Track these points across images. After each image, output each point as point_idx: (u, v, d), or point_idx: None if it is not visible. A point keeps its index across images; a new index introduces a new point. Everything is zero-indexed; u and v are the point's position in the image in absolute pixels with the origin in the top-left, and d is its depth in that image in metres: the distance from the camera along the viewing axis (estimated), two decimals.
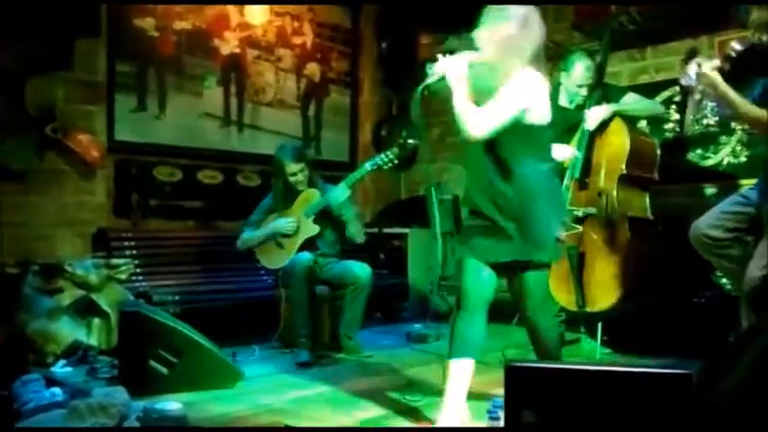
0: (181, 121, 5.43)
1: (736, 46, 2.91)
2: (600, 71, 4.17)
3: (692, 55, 2.98)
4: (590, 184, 4.10)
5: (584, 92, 4.17)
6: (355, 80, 6.68)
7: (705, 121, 4.84)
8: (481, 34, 2.71)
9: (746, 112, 2.92)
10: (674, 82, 4.94)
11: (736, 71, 2.95)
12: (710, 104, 4.32)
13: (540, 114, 2.72)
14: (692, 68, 2.98)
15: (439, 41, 6.33)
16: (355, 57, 6.67)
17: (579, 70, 4.15)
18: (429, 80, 2.78)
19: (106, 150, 4.98)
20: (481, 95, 2.72)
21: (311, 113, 6.32)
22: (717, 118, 4.77)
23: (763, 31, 2.90)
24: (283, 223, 4.37)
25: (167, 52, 5.34)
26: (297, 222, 4.36)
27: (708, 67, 2.92)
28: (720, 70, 2.92)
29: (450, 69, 2.72)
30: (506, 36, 2.66)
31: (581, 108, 4.14)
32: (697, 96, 3.27)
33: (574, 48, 4.80)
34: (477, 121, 2.64)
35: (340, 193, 4.31)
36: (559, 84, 4.31)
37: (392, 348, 4.60)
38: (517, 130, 2.67)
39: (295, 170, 4.40)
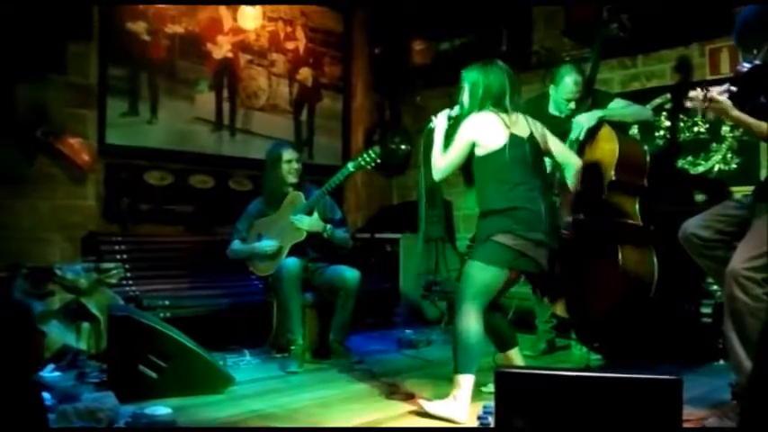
0: (173, 126, 5.41)
1: (742, 68, 2.87)
2: (590, 80, 4.19)
3: (681, 68, 2.93)
4: (580, 190, 4.10)
5: (572, 105, 4.18)
6: (348, 85, 6.68)
7: (695, 129, 4.87)
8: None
9: (763, 132, 2.90)
10: (666, 89, 4.97)
11: (744, 93, 2.93)
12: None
13: (490, 144, 3.13)
14: (699, 94, 2.95)
15: (431, 47, 6.38)
16: (348, 62, 6.67)
17: (567, 84, 4.16)
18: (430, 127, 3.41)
19: (97, 154, 4.96)
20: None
21: (304, 118, 6.32)
22: (707, 125, 4.79)
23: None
24: (265, 246, 4.36)
25: (159, 56, 5.33)
26: (279, 244, 4.33)
27: (716, 92, 2.89)
28: (731, 93, 2.90)
29: (437, 123, 3.37)
30: (470, 96, 3.25)
31: (570, 118, 4.15)
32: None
33: (564, 56, 4.81)
34: (435, 166, 3.29)
35: (298, 220, 4.29)
36: (549, 93, 4.33)
37: (383, 354, 4.60)
38: (478, 162, 3.18)
39: (291, 158, 4.44)
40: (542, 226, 3.07)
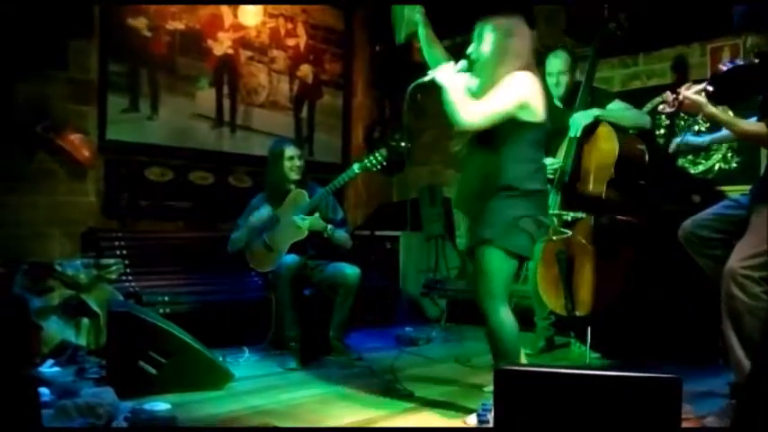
0: (173, 122, 5.40)
1: (723, 67, 2.92)
2: (588, 78, 4.19)
3: (678, 67, 2.95)
4: (579, 188, 4.11)
5: (554, 80, 4.22)
6: (348, 82, 6.67)
7: (696, 127, 4.86)
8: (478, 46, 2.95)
9: (740, 129, 2.93)
10: (666, 88, 4.95)
11: (728, 91, 2.95)
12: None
13: (534, 112, 2.84)
14: (670, 95, 3.00)
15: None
16: (348, 59, 6.66)
17: (553, 62, 4.23)
18: (420, 80, 3.03)
19: (97, 150, 4.95)
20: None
21: (304, 115, 6.31)
22: (708, 124, 4.79)
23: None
24: (260, 214, 4.39)
25: (160, 52, 5.32)
26: (273, 212, 4.37)
27: (690, 92, 2.94)
28: (707, 93, 2.92)
29: (440, 73, 2.93)
30: (497, 45, 2.89)
31: (566, 106, 4.18)
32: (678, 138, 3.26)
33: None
34: (471, 110, 2.79)
35: (300, 220, 4.29)
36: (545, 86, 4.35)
37: (382, 351, 4.60)
38: (516, 129, 2.83)
39: (293, 154, 4.46)
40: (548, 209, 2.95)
